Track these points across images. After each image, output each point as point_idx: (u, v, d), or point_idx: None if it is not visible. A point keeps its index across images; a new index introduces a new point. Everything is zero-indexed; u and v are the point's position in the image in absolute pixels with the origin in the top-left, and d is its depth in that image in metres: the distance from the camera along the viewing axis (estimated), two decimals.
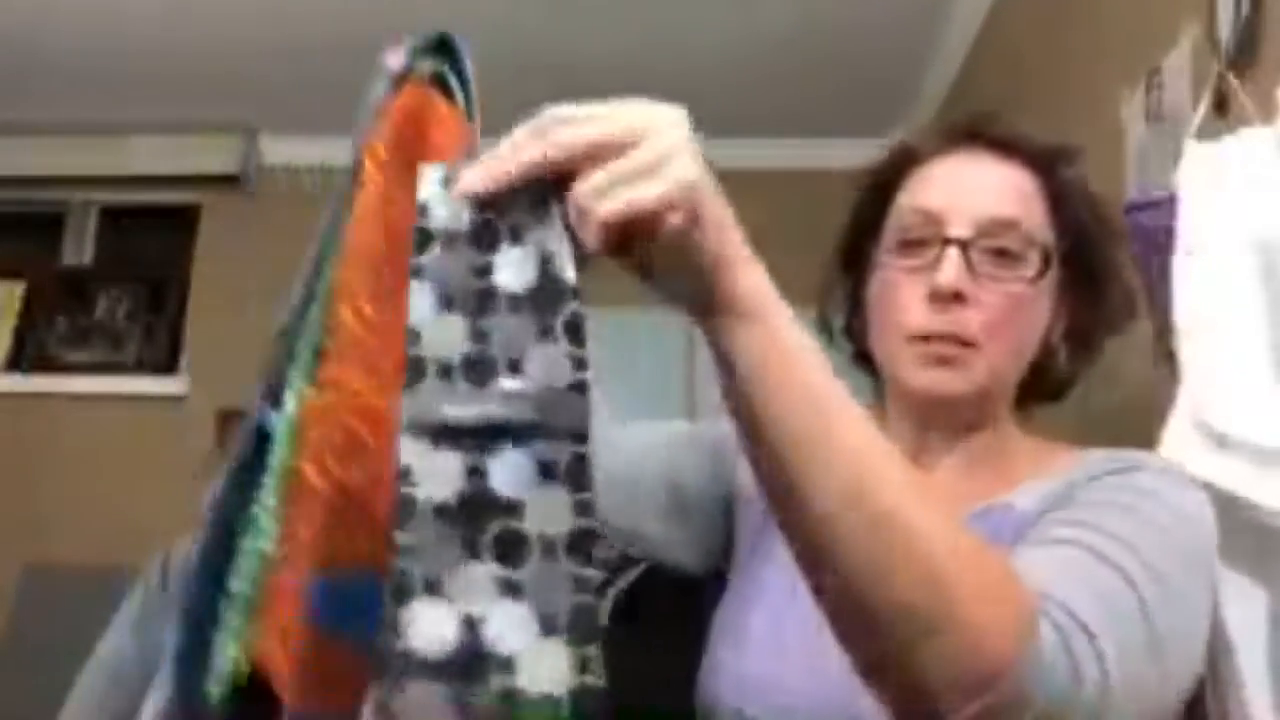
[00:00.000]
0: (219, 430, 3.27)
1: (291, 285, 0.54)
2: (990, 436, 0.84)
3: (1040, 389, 0.87)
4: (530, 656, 0.46)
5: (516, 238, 0.49)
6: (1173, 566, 0.65)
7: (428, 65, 0.55)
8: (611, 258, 0.51)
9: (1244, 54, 1.21)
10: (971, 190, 0.81)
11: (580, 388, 0.48)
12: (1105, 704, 0.57)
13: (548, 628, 0.46)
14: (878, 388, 0.89)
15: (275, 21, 2.80)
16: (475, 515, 0.47)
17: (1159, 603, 0.62)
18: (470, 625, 0.46)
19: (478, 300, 0.48)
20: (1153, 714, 0.63)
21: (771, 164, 3.06)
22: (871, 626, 0.55)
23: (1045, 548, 0.65)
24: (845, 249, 0.91)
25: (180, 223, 3.49)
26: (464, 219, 0.49)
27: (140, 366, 3.37)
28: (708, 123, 0.57)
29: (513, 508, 0.47)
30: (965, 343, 0.78)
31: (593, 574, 0.47)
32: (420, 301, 0.48)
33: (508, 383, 0.48)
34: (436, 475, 0.47)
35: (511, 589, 0.46)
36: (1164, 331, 1.07)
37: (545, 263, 0.49)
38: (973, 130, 0.85)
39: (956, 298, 0.78)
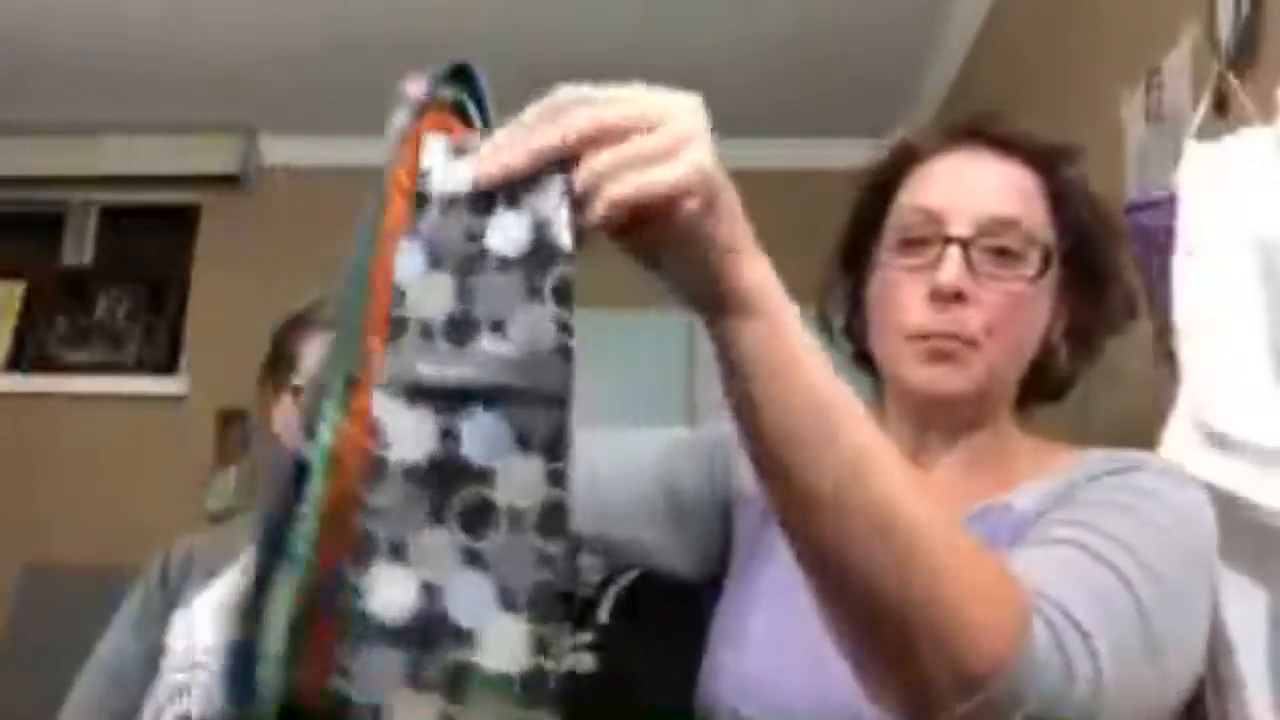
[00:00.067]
0: (219, 430, 3.29)
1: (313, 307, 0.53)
2: (990, 437, 0.84)
3: (1040, 389, 0.87)
4: (489, 632, 0.44)
5: (514, 203, 0.48)
6: (1171, 566, 0.65)
7: (448, 93, 0.55)
8: (613, 240, 0.51)
9: (1244, 54, 1.21)
10: (972, 189, 0.81)
11: (565, 352, 0.46)
12: (1098, 702, 0.57)
13: (507, 603, 0.45)
14: (878, 388, 0.89)
15: (275, 22, 2.80)
16: (445, 480, 0.46)
17: (1156, 602, 0.62)
18: (429, 593, 0.45)
19: (468, 262, 0.48)
20: (1152, 714, 0.63)
21: (771, 164, 3.06)
22: (868, 622, 0.55)
23: (1042, 547, 0.65)
24: (845, 248, 0.91)
25: (180, 223, 3.49)
26: (463, 186, 0.49)
27: (140, 366, 3.38)
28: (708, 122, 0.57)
29: (484, 475, 0.46)
30: (965, 341, 0.78)
31: (558, 552, 0.45)
32: (409, 261, 0.48)
33: (489, 344, 0.47)
34: (409, 436, 0.46)
35: (474, 559, 0.45)
36: (1164, 331, 1.07)
37: (540, 227, 0.48)
38: (973, 129, 0.85)
39: (957, 297, 0.78)
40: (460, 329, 0.47)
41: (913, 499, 0.54)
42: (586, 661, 1.12)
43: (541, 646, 0.44)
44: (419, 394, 0.46)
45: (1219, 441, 0.96)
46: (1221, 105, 1.22)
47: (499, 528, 0.45)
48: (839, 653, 0.59)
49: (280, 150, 3.46)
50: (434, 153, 0.50)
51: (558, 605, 0.45)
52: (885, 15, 2.67)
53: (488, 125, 0.56)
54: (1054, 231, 0.82)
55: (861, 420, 0.55)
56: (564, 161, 0.48)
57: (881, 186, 0.87)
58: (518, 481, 0.46)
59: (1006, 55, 2.40)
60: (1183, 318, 1.03)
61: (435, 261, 0.48)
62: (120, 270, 3.49)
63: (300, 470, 0.49)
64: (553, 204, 0.48)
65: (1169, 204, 1.08)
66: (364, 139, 3.24)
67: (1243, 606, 0.94)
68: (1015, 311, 0.79)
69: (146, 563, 1.31)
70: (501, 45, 2.53)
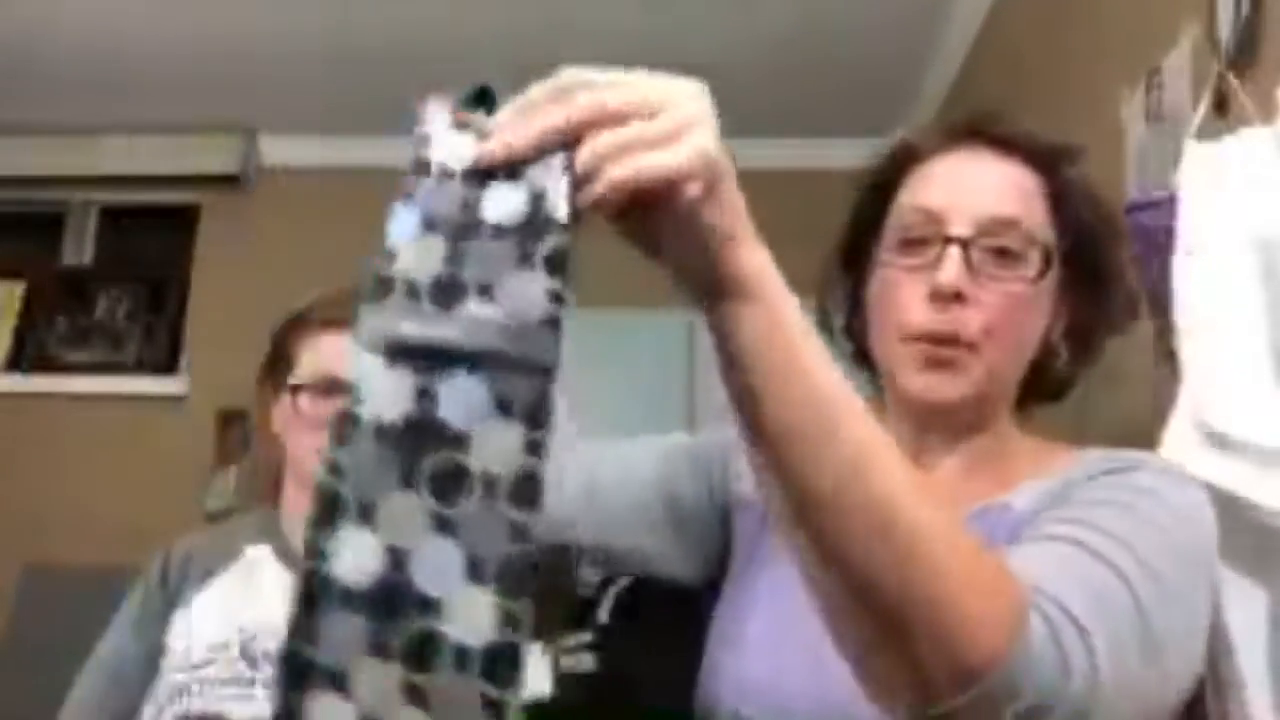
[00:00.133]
0: (219, 430, 3.29)
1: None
2: (990, 438, 0.84)
3: (1040, 389, 0.87)
4: (454, 603, 0.43)
5: (512, 175, 0.48)
6: (1170, 565, 0.64)
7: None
8: (613, 224, 0.50)
9: (1244, 54, 1.21)
10: (972, 189, 0.81)
11: (553, 323, 0.45)
12: (1094, 698, 0.56)
13: (475, 574, 0.43)
14: (878, 386, 0.89)
15: (275, 23, 2.80)
16: (418, 441, 0.44)
17: (1155, 601, 0.62)
18: (395, 558, 0.43)
19: (463, 229, 0.47)
20: (1152, 714, 0.63)
21: (771, 164, 3.06)
22: (864, 614, 0.55)
23: (1040, 544, 0.65)
24: (846, 247, 0.91)
25: (180, 223, 3.50)
26: (464, 162, 0.48)
27: (140, 366, 3.38)
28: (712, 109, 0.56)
29: (459, 439, 0.44)
30: (964, 344, 0.78)
31: (530, 522, 0.43)
32: (403, 224, 0.47)
33: (476, 308, 0.46)
34: (385, 395, 0.45)
35: (444, 525, 0.44)
36: (1165, 331, 1.07)
37: (537, 198, 0.47)
38: (974, 128, 0.85)
39: (957, 297, 0.78)
40: (447, 291, 0.46)
41: (913, 498, 0.54)
42: (586, 661, 1.12)
43: (509, 620, 0.43)
44: (400, 353, 0.45)
45: (1219, 441, 0.96)
46: (1221, 105, 1.22)
47: (471, 494, 0.44)
48: (837, 651, 0.59)
49: (280, 150, 3.46)
50: (435, 121, 0.49)
51: (527, 580, 0.43)
52: (885, 15, 2.67)
53: None
54: (1054, 231, 0.82)
55: (862, 416, 0.55)
56: (566, 143, 0.48)
57: (881, 186, 0.87)
58: (494, 448, 0.44)
59: (1006, 55, 2.40)
60: (1183, 317, 1.03)
61: (429, 225, 0.47)
62: (120, 270, 3.49)
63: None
64: (553, 178, 0.47)
65: (1169, 204, 1.08)
66: (364, 139, 3.27)
67: (1243, 606, 0.94)
68: (1015, 312, 0.79)
69: (146, 563, 1.30)
70: (501, 46, 2.53)
